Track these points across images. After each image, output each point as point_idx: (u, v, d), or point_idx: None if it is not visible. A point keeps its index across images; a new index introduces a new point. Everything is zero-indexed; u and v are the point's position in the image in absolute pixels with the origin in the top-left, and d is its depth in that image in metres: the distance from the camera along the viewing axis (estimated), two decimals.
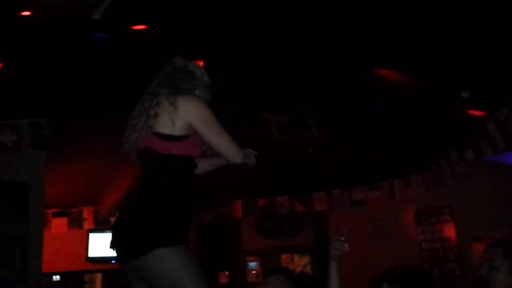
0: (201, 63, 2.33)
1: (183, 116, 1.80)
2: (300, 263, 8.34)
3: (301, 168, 6.02)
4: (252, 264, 8.99)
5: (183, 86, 1.94)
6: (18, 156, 4.19)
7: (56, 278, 8.19)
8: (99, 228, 6.69)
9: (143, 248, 1.71)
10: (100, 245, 6.47)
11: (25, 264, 4.16)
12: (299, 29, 3.26)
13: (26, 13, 2.91)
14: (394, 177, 6.43)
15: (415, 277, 2.21)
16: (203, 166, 2.03)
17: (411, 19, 3.15)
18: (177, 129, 1.80)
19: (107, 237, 6.41)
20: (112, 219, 6.78)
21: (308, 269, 7.81)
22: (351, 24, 3.17)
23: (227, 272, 8.08)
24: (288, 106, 4.54)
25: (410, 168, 6.17)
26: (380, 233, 6.83)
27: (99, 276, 8.90)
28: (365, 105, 4.43)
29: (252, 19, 3.14)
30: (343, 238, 2.29)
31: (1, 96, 3.73)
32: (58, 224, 6.43)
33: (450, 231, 5.98)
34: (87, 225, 6.64)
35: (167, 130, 1.80)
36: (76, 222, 6.56)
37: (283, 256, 8.97)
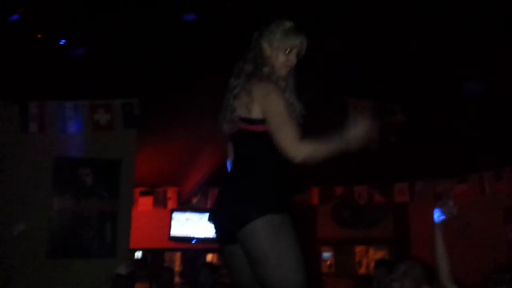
0: None
1: (258, 104, 1.83)
2: (375, 256, 8.15)
3: (382, 157, 5.81)
4: (326, 255, 8.90)
5: (259, 71, 1.89)
6: (111, 135, 4.42)
7: (138, 255, 8.64)
8: (182, 208, 6.97)
9: (253, 214, 1.76)
10: (182, 224, 6.73)
11: (115, 238, 4.39)
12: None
13: None
14: (484, 170, 6.05)
15: None
16: None
17: None
18: (256, 114, 1.83)
19: (188, 217, 6.72)
20: (194, 200, 7.03)
21: None
22: None
23: None
24: (370, 89, 4.38)
25: (502, 161, 5.77)
26: (465, 230, 6.47)
27: (178, 255, 9.28)
28: (454, 87, 4.16)
29: None
30: (451, 203, 2.21)
31: (97, 77, 3.97)
32: (144, 203, 6.75)
33: None
34: (171, 204, 6.93)
35: (252, 115, 1.84)
36: (160, 201, 6.86)
37: (358, 249, 8.79)
